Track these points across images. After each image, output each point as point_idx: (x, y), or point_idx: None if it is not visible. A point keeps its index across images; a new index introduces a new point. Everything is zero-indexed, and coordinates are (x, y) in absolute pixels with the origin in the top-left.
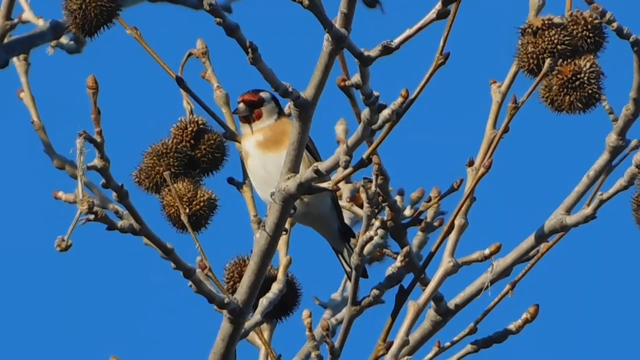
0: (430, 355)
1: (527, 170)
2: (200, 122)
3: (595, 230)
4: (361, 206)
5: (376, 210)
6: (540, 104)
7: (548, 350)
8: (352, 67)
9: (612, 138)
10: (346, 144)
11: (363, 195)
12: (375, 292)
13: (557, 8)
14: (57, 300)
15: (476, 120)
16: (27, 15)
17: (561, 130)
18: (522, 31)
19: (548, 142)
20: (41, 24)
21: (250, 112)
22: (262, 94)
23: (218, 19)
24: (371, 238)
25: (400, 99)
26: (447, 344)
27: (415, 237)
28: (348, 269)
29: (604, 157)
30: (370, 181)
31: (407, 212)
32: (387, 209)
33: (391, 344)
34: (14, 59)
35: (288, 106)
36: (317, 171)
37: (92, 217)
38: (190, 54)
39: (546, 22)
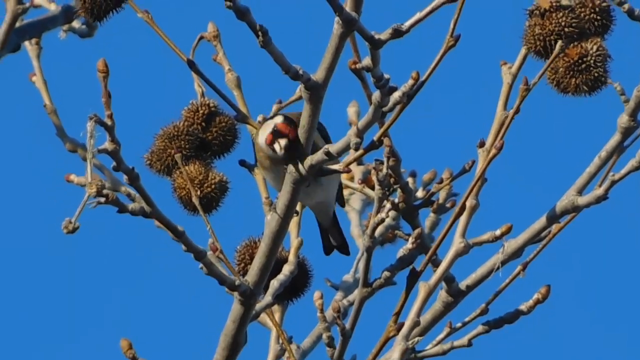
0: (441, 336)
1: (538, 151)
2: (211, 104)
3: (607, 211)
4: (373, 188)
5: (388, 192)
6: (547, 84)
7: (559, 330)
8: (363, 50)
9: (623, 119)
10: (357, 126)
11: (374, 177)
12: (386, 273)
13: None
14: (67, 283)
15: (487, 102)
16: None
17: (572, 111)
18: (530, 13)
19: (559, 123)
20: (53, 8)
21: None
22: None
23: (228, 3)
24: (382, 220)
25: (410, 82)
26: (459, 324)
27: (427, 218)
28: (326, 244)
29: (615, 138)
30: (382, 163)
31: (419, 193)
32: (398, 190)
33: (402, 325)
34: (26, 43)
35: (299, 89)
36: (327, 153)
37: (102, 200)
38: (201, 37)
39: (554, 4)
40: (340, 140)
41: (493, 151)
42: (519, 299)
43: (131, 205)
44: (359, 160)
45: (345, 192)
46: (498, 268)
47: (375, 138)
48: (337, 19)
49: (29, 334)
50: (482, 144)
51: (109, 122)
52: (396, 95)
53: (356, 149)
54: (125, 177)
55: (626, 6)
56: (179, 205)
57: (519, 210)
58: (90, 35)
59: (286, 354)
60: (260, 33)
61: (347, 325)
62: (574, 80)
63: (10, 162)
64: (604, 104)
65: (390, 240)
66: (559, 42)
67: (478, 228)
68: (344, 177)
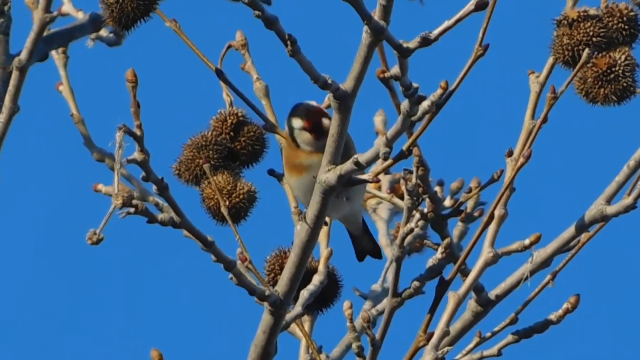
0: (471, 345)
1: (566, 160)
2: (240, 114)
3: (636, 219)
4: (401, 197)
5: (417, 202)
6: (575, 94)
7: (589, 340)
8: (391, 59)
9: None
10: (386, 135)
11: (403, 187)
12: (415, 283)
13: None
14: (97, 293)
15: (515, 111)
16: (67, 7)
17: (600, 120)
18: (558, 23)
19: (587, 131)
20: (80, 16)
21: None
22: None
23: (257, 12)
24: (412, 230)
25: (439, 91)
26: (488, 334)
27: (455, 227)
28: (359, 249)
29: None
30: (411, 172)
31: (447, 202)
32: (427, 200)
33: (432, 334)
34: (53, 52)
35: (327, 98)
36: (357, 163)
37: (132, 210)
38: (229, 46)
39: (581, 14)
40: (369, 150)
41: (521, 160)
42: (549, 308)
43: (160, 216)
44: (385, 170)
45: (373, 201)
46: (527, 278)
47: (404, 148)
48: (365, 27)
49: (56, 345)
50: (510, 153)
51: (138, 132)
52: (425, 104)
53: (385, 159)
54: (154, 187)
55: None
56: (208, 215)
57: (548, 219)
58: (118, 44)
59: None
60: (289, 42)
61: (377, 335)
62: (602, 90)
63: (38, 171)
64: (632, 112)
65: (417, 250)
66: (586, 50)
67: (507, 237)
68: (371, 187)
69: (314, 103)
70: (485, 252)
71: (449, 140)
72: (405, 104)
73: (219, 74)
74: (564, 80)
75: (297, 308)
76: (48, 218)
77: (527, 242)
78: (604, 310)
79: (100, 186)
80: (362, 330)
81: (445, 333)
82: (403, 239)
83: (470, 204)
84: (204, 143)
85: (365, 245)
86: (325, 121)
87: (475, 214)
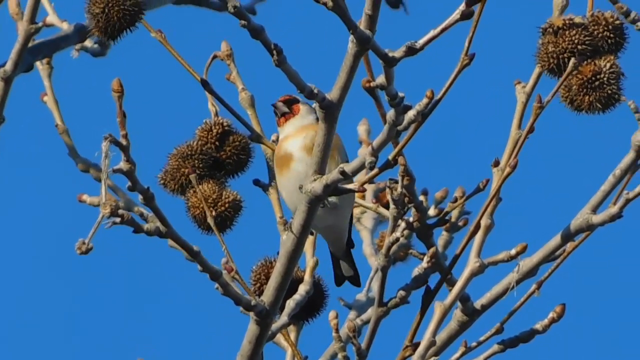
0: (457, 355)
1: (552, 169)
2: (225, 124)
3: (622, 229)
4: (386, 206)
5: (402, 211)
6: (560, 102)
7: (575, 349)
8: (376, 69)
9: (638, 137)
10: (372, 145)
11: (389, 197)
12: (401, 293)
13: (581, 8)
14: (82, 303)
15: (501, 121)
16: (51, 18)
17: (586, 129)
18: (543, 31)
19: (574, 141)
20: (65, 27)
21: (289, 108)
22: (297, 96)
23: (243, 22)
24: (397, 239)
25: (425, 100)
26: (474, 344)
27: (440, 237)
28: (339, 274)
29: (630, 156)
30: (396, 182)
31: (432, 212)
32: (413, 209)
33: (418, 344)
34: (38, 63)
35: (313, 107)
36: (343, 172)
37: (118, 220)
38: (215, 57)
39: (567, 22)
40: (355, 160)
41: (507, 170)
42: (534, 318)
43: (146, 226)
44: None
45: (357, 210)
46: (513, 287)
47: (390, 157)
48: (351, 37)
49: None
50: (496, 163)
51: (124, 142)
52: (411, 114)
53: (371, 168)
54: (140, 197)
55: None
56: (193, 224)
57: (534, 229)
58: (103, 55)
59: None
60: (274, 52)
61: (363, 345)
62: (587, 97)
63: (23, 182)
64: (618, 121)
65: (402, 259)
66: (572, 60)
67: (493, 247)
68: (356, 196)
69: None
70: (472, 262)
71: (435, 150)
72: (391, 113)
73: (205, 84)
74: (550, 90)
75: (283, 318)
76: (33, 228)
77: (513, 252)
78: (589, 320)
79: (85, 197)
80: (347, 340)
81: (432, 343)
82: (389, 248)
83: (455, 214)
84: (189, 152)
85: (345, 270)
86: (278, 104)
87: (460, 223)
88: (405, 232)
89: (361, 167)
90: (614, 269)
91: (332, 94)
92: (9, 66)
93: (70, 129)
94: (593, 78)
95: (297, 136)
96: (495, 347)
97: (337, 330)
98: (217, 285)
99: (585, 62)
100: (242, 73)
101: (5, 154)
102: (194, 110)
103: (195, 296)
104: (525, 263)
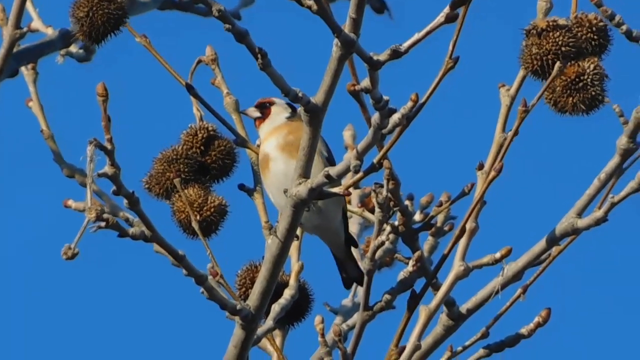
0: (443, 359)
1: (537, 173)
2: (210, 128)
3: (607, 233)
4: (371, 211)
5: (388, 215)
6: (544, 104)
7: (560, 354)
8: (361, 73)
9: (622, 141)
10: (356, 148)
11: (374, 200)
12: (387, 297)
13: (565, 11)
14: (68, 309)
15: (485, 124)
16: (36, 24)
17: (572, 133)
18: (527, 32)
19: (558, 145)
20: (50, 32)
21: (262, 112)
22: (274, 98)
23: (227, 25)
24: (383, 243)
25: (410, 103)
26: (460, 348)
27: (426, 242)
28: (344, 276)
29: (614, 160)
30: (382, 186)
31: (417, 216)
32: (398, 213)
33: (403, 348)
34: (22, 68)
35: (298, 111)
36: (328, 176)
37: (103, 224)
38: (199, 61)
39: (551, 23)
40: (340, 163)
41: (492, 174)
42: (520, 322)
43: (132, 230)
44: (355, 184)
45: None
46: (498, 291)
47: (375, 160)
48: (336, 41)
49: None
50: (481, 167)
51: (108, 146)
52: (395, 117)
53: (356, 172)
54: (125, 201)
55: (624, 27)
56: (178, 229)
57: (519, 233)
58: (88, 60)
59: None
60: (259, 55)
61: (348, 349)
62: (571, 99)
63: (8, 188)
64: (603, 125)
65: (388, 265)
66: (557, 64)
67: (478, 251)
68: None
69: None
70: (457, 266)
71: (419, 154)
72: (376, 116)
73: (189, 88)
74: (534, 93)
75: (269, 322)
76: (19, 233)
77: (498, 255)
78: (575, 324)
79: (70, 202)
80: (333, 344)
81: (417, 347)
82: (374, 251)
83: (440, 218)
84: (174, 157)
85: (351, 271)
86: (248, 110)
87: (446, 228)
88: (391, 236)
89: (346, 171)
90: (599, 273)
91: (317, 98)
92: None
93: (55, 135)
94: (577, 79)
95: (270, 138)
96: (481, 352)
97: (322, 335)
98: (202, 289)
99: (569, 63)
100: (227, 78)
101: None
102: (179, 115)
103: (181, 301)
104: (511, 267)
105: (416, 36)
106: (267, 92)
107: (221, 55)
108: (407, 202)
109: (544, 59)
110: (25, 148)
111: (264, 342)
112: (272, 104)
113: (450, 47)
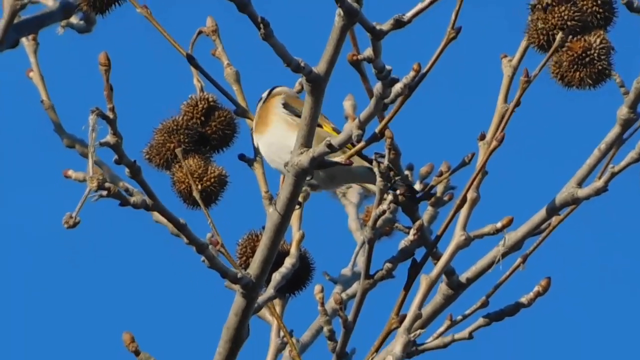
0: (442, 328)
1: (538, 144)
2: (210, 99)
3: (607, 203)
4: None
5: (389, 184)
6: (550, 79)
7: (560, 323)
8: (362, 43)
9: (623, 111)
10: (358, 118)
11: (375, 170)
12: (388, 265)
13: None
14: (68, 278)
15: (487, 95)
16: None
17: (572, 103)
18: (532, 7)
19: (559, 115)
20: (50, 4)
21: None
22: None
23: None
24: (384, 212)
25: (412, 73)
26: (459, 317)
27: (425, 212)
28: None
29: (615, 130)
30: (383, 156)
31: (417, 187)
32: (400, 183)
33: (404, 317)
34: (23, 39)
35: (299, 82)
36: (329, 145)
37: (104, 193)
38: (200, 32)
39: None
40: (341, 133)
41: (494, 144)
42: (520, 291)
43: (133, 198)
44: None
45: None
46: (498, 261)
47: (377, 130)
48: (338, 10)
49: (28, 331)
50: (482, 137)
51: (110, 115)
52: (398, 87)
53: (358, 141)
54: (126, 170)
55: None
56: (178, 199)
57: (519, 202)
58: (89, 31)
59: (288, 347)
60: (261, 25)
61: (350, 317)
62: (578, 73)
63: (8, 158)
64: (603, 96)
65: (387, 234)
66: (559, 34)
67: (479, 221)
68: None
69: (285, 88)
70: (457, 235)
71: (420, 124)
72: (378, 86)
73: (190, 59)
74: (536, 64)
75: (269, 290)
76: (19, 205)
77: (499, 225)
78: (574, 293)
79: (70, 172)
80: (333, 313)
81: (418, 316)
82: (375, 220)
83: (440, 188)
84: (174, 127)
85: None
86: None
87: (446, 198)
88: (392, 205)
89: (348, 140)
90: (599, 243)
91: (319, 67)
92: None
93: (56, 106)
94: (583, 54)
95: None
96: (481, 321)
97: (322, 304)
98: (203, 258)
99: (575, 38)
100: (228, 49)
101: None
102: (180, 86)
103: (181, 270)
104: (511, 237)
105: (419, 6)
106: (269, 63)
107: (222, 26)
108: (406, 172)
109: (549, 34)
110: (25, 118)
111: (264, 312)
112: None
113: (453, 17)
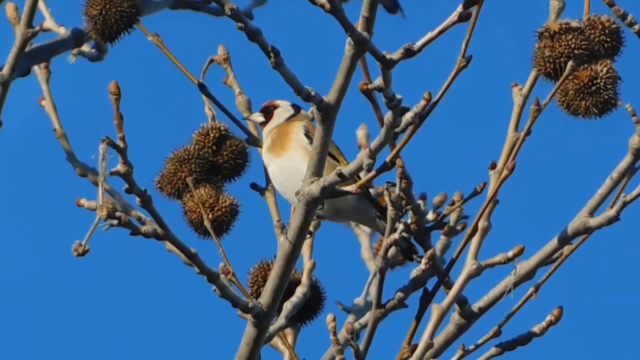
0: (454, 358)
1: (550, 172)
2: (222, 128)
3: (619, 232)
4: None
5: (400, 214)
6: (556, 107)
7: (572, 352)
8: (373, 72)
9: (635, 140)
10: (369, 147)
11: (387, 199)
12: (399, 294)
13: (578, 11)
14: (80, 308)
15: (498, 123)
16: (49, 23)
17: (584, 132)
18: (540, 35)
19: (571, 144)
20: (62, 32)
21: (265, 117)
22: (279, 101)
23: (240, 24)
24: (395, 241)
25: (423, 102)
26: (472, 347)
27: (439, 241)
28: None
29: (627, 159)
30: (394, 185)
31: (430, 216)
32: (410, 212)
33: (416, 347)
34: (35, 67)
35: (311, 111)
36: (340, 174)
37: (115, 222)
38: (211, 60)
39: (563, 26)
40: (352, 162)
41: (505, 172)
42: (532, 320)
43: (144, 228)
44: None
45: None
46: (510, 290)
47: (387, 159)
48: (348, 39)
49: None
50: (493, 166)
51: (121, 145)
52: (408, 116)
53: (368, 170)
54: (137, 199)
55: (636, 27)
56: (190, 228)
57: (531, 231)
58: (100, 59)
59: None
60: (272, 54)
61: (361, 347)
62: (584, 102)
63: (21, 186)
64: (615, 124)
65: (400, 264)
66: (570, 62)
67: (490, 250)
68: None
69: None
70: (469, 264)
71: (432, 153)
72: (388, 115)
73: (202, 88)
74: (546, 93)
75: (281, 320)
76: (32, 234)
77: (510, 254)
78: (587, 323)
79: (82, 201)
80: (345, 343)
81: (429, 345)
82: (386, 250)
83: (453, 218)
84: (186, 156)
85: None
86: (251, 116)
87: (458, 227)
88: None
89: (359, 169)
90: (611, 272)
91: (330, 96)
92: (6, 70)
93: (68, 134)
94: (590, 83)
95: (265, 142)
96: (493, 350)
97: (334, 333)
98: (214, 287)
99: (582, 66)
100: (239, 77)
101: (3, 158)
102: (191, 114)
103: (193, 299)
104: (523, 266)
105: (429, 35)
106: (280, 91)
107: (233, 55)
108: (419, 202)
109: (556, 62)
110: (37, 147)
111: (276, 341)
112: (276, 107)
113: (463, 46)
